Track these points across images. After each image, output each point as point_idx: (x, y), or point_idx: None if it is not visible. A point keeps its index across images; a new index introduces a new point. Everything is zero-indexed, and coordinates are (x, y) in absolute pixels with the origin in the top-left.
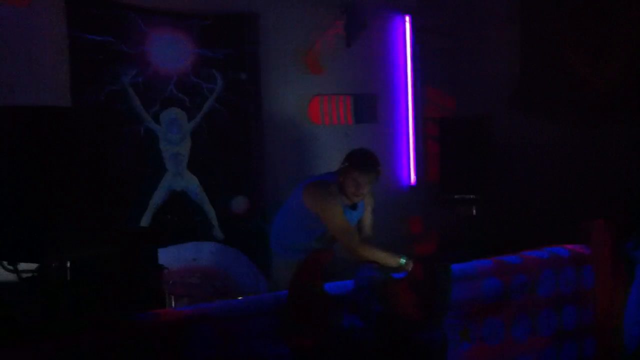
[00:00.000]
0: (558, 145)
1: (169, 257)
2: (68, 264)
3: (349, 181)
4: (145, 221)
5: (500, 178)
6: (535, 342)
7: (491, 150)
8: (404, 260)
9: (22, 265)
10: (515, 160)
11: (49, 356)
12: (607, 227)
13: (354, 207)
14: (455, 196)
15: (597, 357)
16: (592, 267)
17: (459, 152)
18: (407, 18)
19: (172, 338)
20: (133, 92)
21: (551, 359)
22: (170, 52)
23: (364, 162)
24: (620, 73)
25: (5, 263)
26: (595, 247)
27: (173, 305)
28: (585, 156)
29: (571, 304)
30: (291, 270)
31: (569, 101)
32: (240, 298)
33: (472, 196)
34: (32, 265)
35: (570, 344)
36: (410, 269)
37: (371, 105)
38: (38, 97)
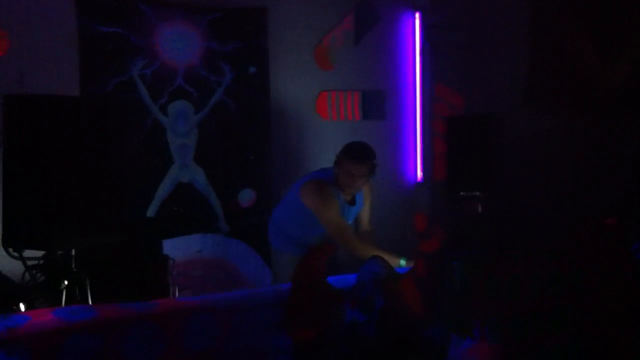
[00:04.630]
0: (567, 144)
1: (174, 248)
2: (73, 252)
3: (343, 172)
4: (151, 212)
5: (508, 176)
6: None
7: (499, 149)
8: (404, 262)
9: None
10: (524, 159)
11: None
12: (614, 228)
13: (352, 202)
14: (461, 193)
15: (599, 356)
16: (593, 268)
17: (466, 149)
18: (417, 15)
19: (172, 327)
20: (141, 83)
21: (553, 358)
22: (179, 45)
23: (358, 152)
24: (633, 70)
25: (11, 250)
26: (603, 248)
27: (177, 295)
28: (594, 155)
29: (569, 303)
30: (291, 264)
31: (580, 99)
32: (240, 290)
33: (477, 193)
34: (38, 253)
35: (570, 342)
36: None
37: (379, 102)
38: (47, 86)
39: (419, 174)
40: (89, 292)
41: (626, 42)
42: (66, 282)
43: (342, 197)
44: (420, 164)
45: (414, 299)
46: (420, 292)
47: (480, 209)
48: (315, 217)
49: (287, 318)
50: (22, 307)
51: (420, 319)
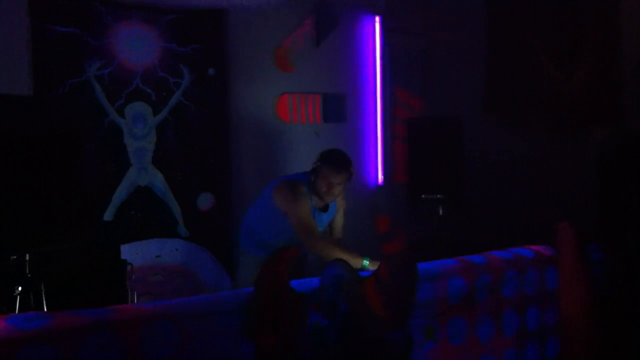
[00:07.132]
0: (526, 149)
1: (133, 253)
2: (27, 257)
3: (321, 180)
4: (108, 216)
5: (468, 179)
6: (498, 342)
7: (460, 152)
8: (367, 263)
9: None
10: (484, 162)
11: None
12: (572, 229)
13: (324, 209)
14: (422, 196)
15: (561, 358)
16: (557, 268)
17: (427, 152)
18: (377, 18)
19: (131, 336)
20: (98, 85)
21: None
22: (136, 46)
23: (337, 161)
24: (589, 81)
25: None
26: (560, 248)
27: (135, 301)
28: (552, 161)
29: (534, 304)
30: (257, 267)
31: (538, 107)
32: (200, 295)
33: (438, 196)
34: None
35: (533, 344)
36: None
37: (340, 105)
38: None
39: (380, 176)
40: (44, 298)
41: (580, 54)
42: (20, 288)
43: (314, 201)
44: (381, 166)
45: (377, 302)
46: (383, 295)
47: (440, 212)
48: (285, 219)
49: (249, 323)
50: None
51: (383, 322)
